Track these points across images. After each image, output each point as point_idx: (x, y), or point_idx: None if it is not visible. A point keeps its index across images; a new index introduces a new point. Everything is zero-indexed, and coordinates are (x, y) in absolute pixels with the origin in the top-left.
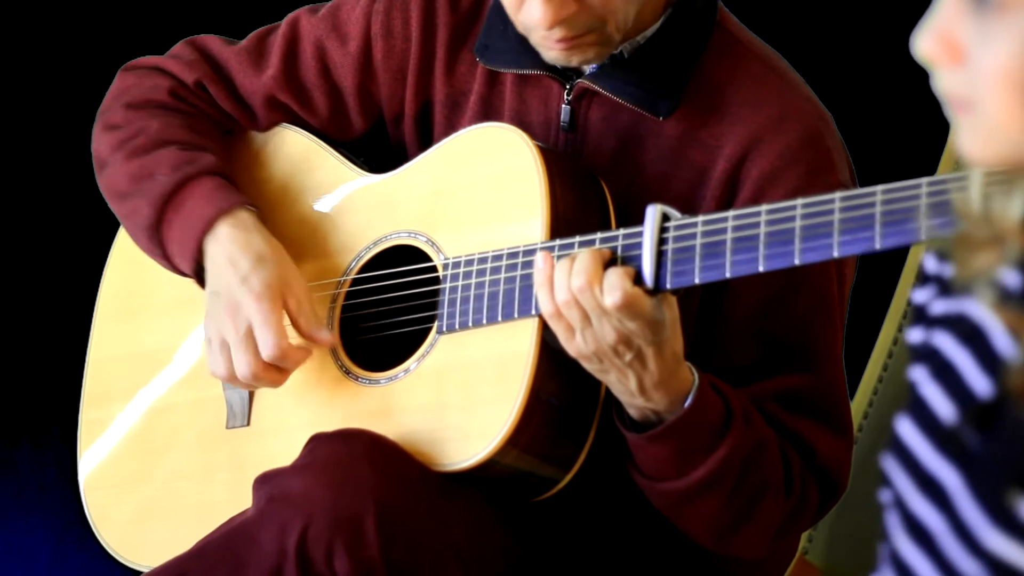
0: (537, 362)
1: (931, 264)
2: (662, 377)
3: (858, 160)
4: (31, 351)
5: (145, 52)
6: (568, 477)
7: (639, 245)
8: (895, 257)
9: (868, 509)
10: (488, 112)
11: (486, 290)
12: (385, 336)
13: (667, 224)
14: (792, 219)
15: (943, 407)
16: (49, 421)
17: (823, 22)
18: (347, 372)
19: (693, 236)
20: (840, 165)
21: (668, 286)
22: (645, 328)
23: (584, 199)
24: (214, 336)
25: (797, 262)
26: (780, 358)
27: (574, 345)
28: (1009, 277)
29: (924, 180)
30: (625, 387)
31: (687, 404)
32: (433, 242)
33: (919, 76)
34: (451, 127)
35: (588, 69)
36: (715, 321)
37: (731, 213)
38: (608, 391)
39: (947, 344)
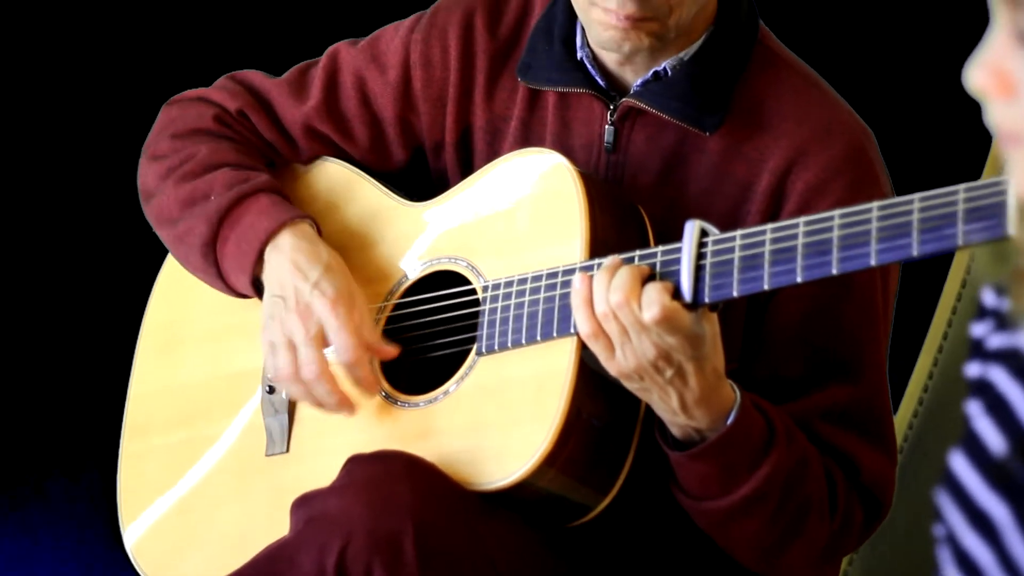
0: (575, 381)
1: (989, 298)
2: (703, 393)
3: (899, 175)
4: (67, 383)
5: (188, 88)
6: (606, 501)
7: (677, 261)
8: (936, 281)
9: (908, 535)
10: (529, 136)
11: (525, 310)
12: (426, 359)
13: (705, 239)
14: (830, 230)
15: (994, 440)
16: (83, 453)
17: (860, 37)
18: (387, 396)
19: (731, 250)
20: (883, 179)
21: (706, 300)
22: (685, 343)
23: (623, 224)
24: (278, 338)
25: (835, 271)
26: (825, 369)
27: (614, 364)
28: None
29: (961, 186)
30: (667, 405)
31: (729, 421)
32: (473, 266)
33: (960, 91)
34: (492, 153)
35: (633, 87)
36: (760, 333)
37: (769, 226)
38: (648, 412)
39: (1001, 378)
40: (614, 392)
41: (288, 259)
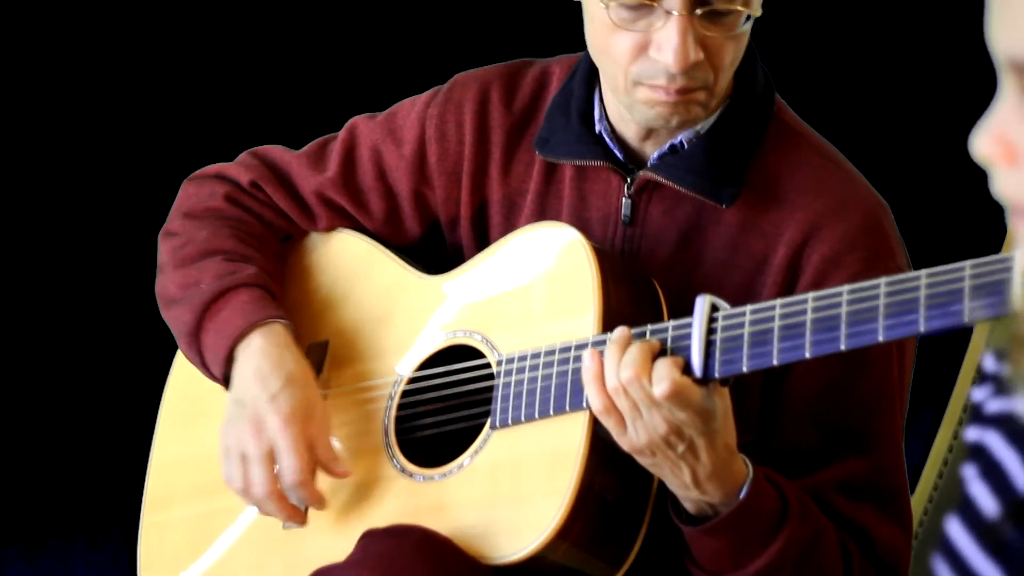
0: (587, 455)
1: (989, 363)
2: (715, 468)
3: (916, 247)
4: (90, 452)
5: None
6: (619, 575)
7: (688, 336)
8: (955, 353)
9: None
10: (545, 210)
11: (538, 384)
12: (441, 433)
13: (716, 314)
14: (838, 305)
15: (988, 504)
16: (106, 522)
17: (878, 108)
18: (402, 470)
19: (741, 325)
20: (898, 251)
21: (717, 375)
22: (696, 418)
23: (637, 298)
24: (233, 445)
25: (843, 348)
26: (841, 441)
27: (626, 439)
28: None
29: (968, 263)
30: (679, 480)
31: (742, 496)
32: (488, 340)
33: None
34: (509, 227)
35: (650, 160)
36: (776, 405)
37: (779, 301)
38: (661, 486)
39: (996, 443)
40: (627, 466)
41: (253, 364)
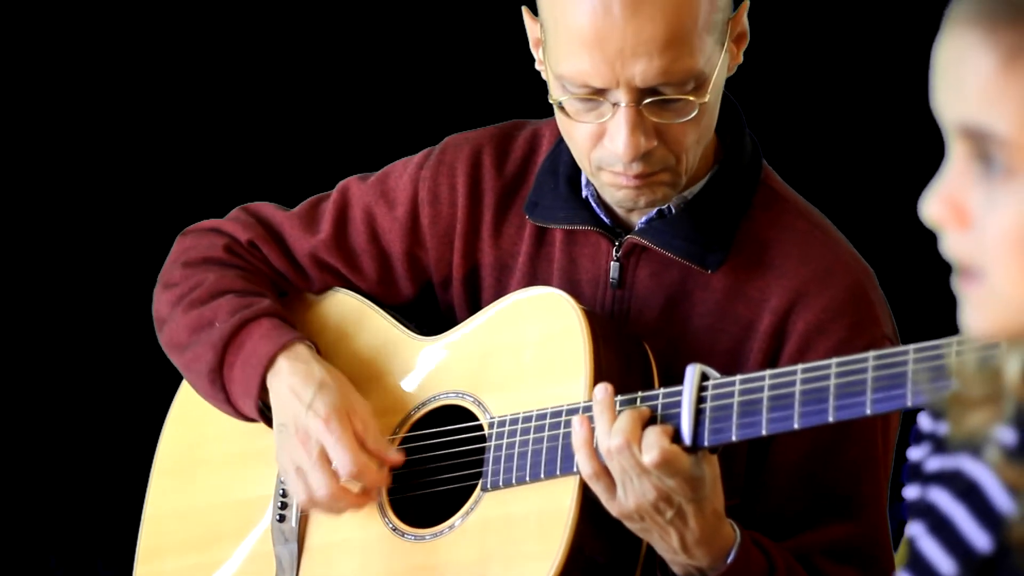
0: (577, 519)
1: (925, 423)
2: (704, 534)
3: (904, 315)
4: (83, 504)
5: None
6: None
7: (678, 404)
8: None
9: None
10: (537, 272)
11: (530, 448)
12: (432, 493)
13: (706, 383)
14: (827, 378)
15: (943, 562)
16: (98, 573)
17: (865, 174)
18: (394, 529)
19: (731, 395)
20: (884, 319)
21: (706, 444)
22: (685, 485)
23: (628, 361)
24: (288, 466)
25: (831, 420)
26: (826, 506)
27: (615, 504)
28: (1005, 434)
29: (955, 339)
30: (668, 545)
31: (729, 560)
32: (480, 402)
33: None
34: (501, 289)
35: (637, 225)
36: (762, 470)
37: (768, 372)
38: (649, 550)
39: (943, 500)
40: (616, 530)
41: (286, 385)
